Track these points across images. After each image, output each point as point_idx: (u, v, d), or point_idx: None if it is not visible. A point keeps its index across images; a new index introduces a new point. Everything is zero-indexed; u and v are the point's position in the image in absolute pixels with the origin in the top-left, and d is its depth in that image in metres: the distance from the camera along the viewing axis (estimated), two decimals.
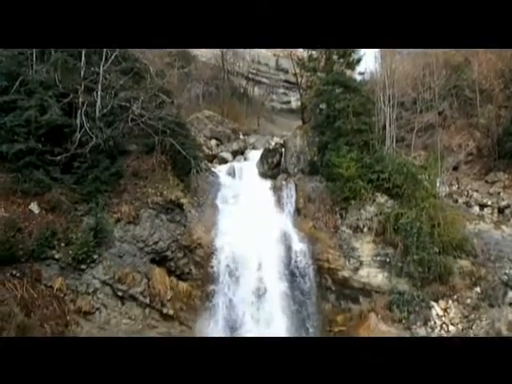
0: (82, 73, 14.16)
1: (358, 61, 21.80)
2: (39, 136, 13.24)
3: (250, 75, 32.52)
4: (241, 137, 24.17)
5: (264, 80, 33.66)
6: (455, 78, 20.97)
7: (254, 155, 19.34)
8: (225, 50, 29.59)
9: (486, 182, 18.50)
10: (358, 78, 20.98)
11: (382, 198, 15.59)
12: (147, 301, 12.78)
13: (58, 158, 13.41)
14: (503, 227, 16.20)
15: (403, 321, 13.31)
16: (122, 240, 13.33)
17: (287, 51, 30.00)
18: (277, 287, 13.51)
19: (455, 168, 19.08)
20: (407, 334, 12.73)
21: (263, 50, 33.14)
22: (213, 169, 17.62)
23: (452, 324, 13.12)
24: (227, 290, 13.30)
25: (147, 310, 12.78)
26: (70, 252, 12.39)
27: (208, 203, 15.14)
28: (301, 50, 25.05)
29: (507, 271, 13.87)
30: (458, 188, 18.51)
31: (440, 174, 17.33)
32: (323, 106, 17.54)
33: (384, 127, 18.11)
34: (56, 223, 12.66)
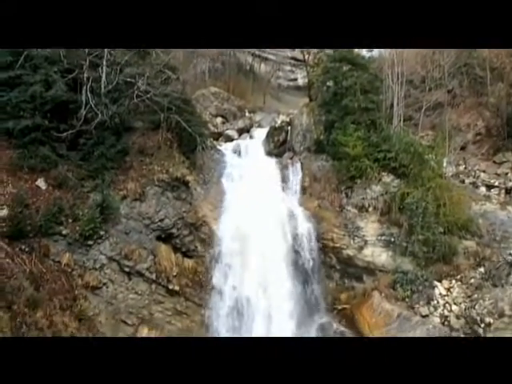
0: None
1: None
2: (45, 112, 13.19)
3: (257, 52, 32.00)
4: (247, 114, 23.98)
5: (270, 57, 33.12)
6: (466, 56, 20.57)
7: (260, 133, 19.22)
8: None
9: (494, 162, 18.36)
10: (366, 55, 20.59)
11: (388, 178, 15.52)
12: (153, 277, 12.95)
13: (64, 134, 13.38)
14: (509, 208, 16.15)
15: (406, 299, 13.43)
16: (128, 217, 13.42)
17: None
18: (281, 266, 13.62)
19: (463, 148, 18.92)
20: (410, 313, 12.87)
21: None
22: (218, 147, 17.56)
23: (455, 303, 13.23)
24: (232, 267, 13.42)
25: (153, 286, 12.96)
26: (77, 228, 12.49)
27: (213, 181, 15.15)
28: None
29: None
30: (465, 168, 18.38)
31: (447, 154, 17.20)
32: (330, 83, 17.30)
33: (392, 106, 17.89)
34: (63, 199, 12.73)
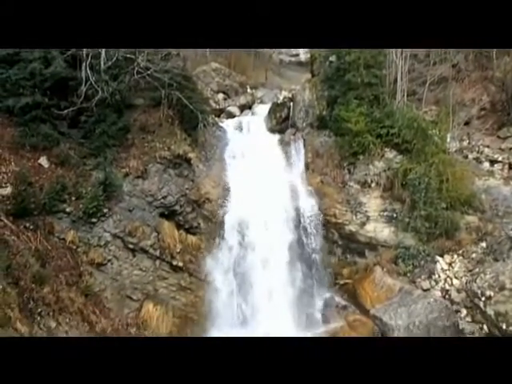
0: None
1: None
2: (45, 89, 13.10)
3: None
4: (248, 90, 23.70)
5: None
6: None
7: (262, 109, 19.02)
8: None
9: (498, 137, 18.20)
10: None
11: (390, 154, 15.45)
12: (157, 253, 13.08)
13: (65, 112, 13.32)
14: None
15: (408, 274, 13.58)
16: (131, 194, 13.48)
17: None
18: (284, 241, 13.72)
19: (467, 123, 18.73)
20: (411, 287, 13.02)
21: None
22: (220, 123, 17.43)
23: (456, 277, 13.37)
24: (236, 243, 13.54)
25: (157, 262, 13.11)
26: (81, 206, 12.58)
27: (216, 158, 15.11)
28: None
29: None
30: (469, 143, 18.25)
31: (451, 129, 17.06)
32: (333, 58, 17.00)
33: (395, 80, 17.63)
34: (66, 177, 12.78)
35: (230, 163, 15.03)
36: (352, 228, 14.73)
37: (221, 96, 22.78)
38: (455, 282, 13.21)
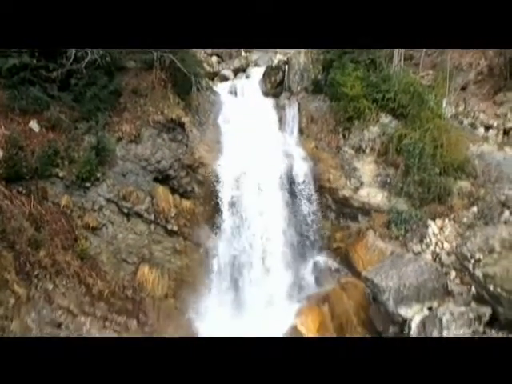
0: None
1: None
2: (32, 50, 12.73)
3: None
4: (243, 53, 23.15)
5: None
6: None
7: (257, 73, 18.66)
8: None
9: (494, 102, 18.06)
10: None
11: (386, 119, 15.35)
12: (152, 217, 13.15)
13: (54, 74, 13.00)
14: (506, 149, 16.14)
15: (400, 238, 13.79)
16: (125, 159, 13.39)
17: None
18: (278, 206, 13.80)
19: (463, 88, 18.52)
20: (403, 251, 13.26)
21: None
22: (214, 87, 17.13)
23: (446, 241, 13.60)
24: (230, 208, 13.60)
25: (152, 226, 13.19)
26: (74, 170, 12.52)
27: (210, 122, 14.94)
28: None
29: (505, 191, 14.06)
30: (465, 109, 18.12)
31: (447, 94, 16.89)
32: None
33: None
34: (57, 141, 12.62)
35: (224, 127, 14.87)
36: (346, 193, 14.80)
37: (214, 59, 22.26)
38: (446, 245, 13.45)
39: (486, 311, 10.36)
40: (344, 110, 15.23)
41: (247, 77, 19.41)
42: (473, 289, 11.24)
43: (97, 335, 10.41)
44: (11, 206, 11.26)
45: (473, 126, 17.59)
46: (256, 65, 21.02)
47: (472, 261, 10.87)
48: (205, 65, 20.10)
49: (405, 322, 11.07)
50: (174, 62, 14.08)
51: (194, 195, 13.99)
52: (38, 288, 10.25)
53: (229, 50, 23.19)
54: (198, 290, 13.14)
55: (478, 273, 10.48)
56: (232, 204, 13.57)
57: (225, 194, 13.61)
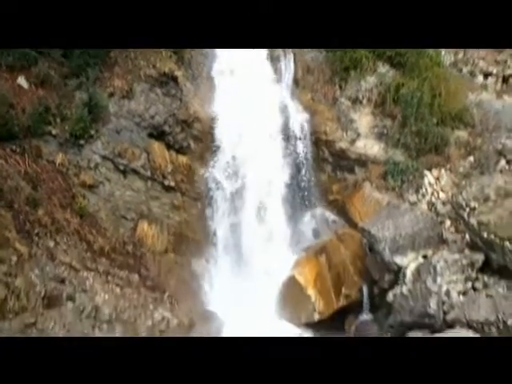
0: None
1: None
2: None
3: None
4: None
5: None
6: None
7: None
8: None
9: None
10: None
11: (383, 68, 15.02)
12: (148, 174, 13.12)
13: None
14: (505, 97, 15.97)
15: (396, 189, 13.88)
16: (118, 115, 13.17)
17: None
18: (274, 159, 13.76)
19: None
20: (399, 201, 13.40)
21: None
22: None
23: (442, 191, 13.72)
24: (226, 162, 13.56)
25: (149, 183, 13.20)
26: (67, 128, 12.34)
27: (203, 76, 14.56)
28: None
29: (503, 140, 14.04)
30: (464, 56, 17.73)
31: None
32: None
33: None
34: (48, 99, 12.36)
35: (218, 81, 14.53)
36: (342, 145, 14.73)
37: None
38: (441, 195, 13.58)
39: (479, 258, 10.64)
40: (340, 60, 14.86)
41: None
42: (467, 237, 11.47)
43: (100, 291, 10.65)
44: (6, 166, 11.19)
45: (472, 73, 17.29)
46: None
47: (467, 209, 11.03)
48: None
49: (400, 270, 11.38)
50: None
51: (190, 151, 13.89)
52: (40, 245, 10.38)
53: None
54: (198, 243, 13.36)
55: (473, 221, 10.67)
56: (228, 158, 13.50)
57: (220, 149, 13.51)
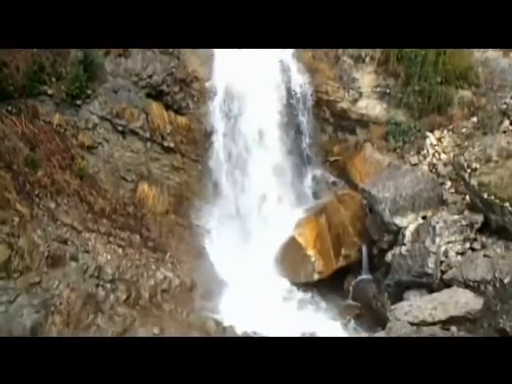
0: None
1: None
2: None
3: None
4: None
5: None
6: None
7: None
8: None
9: None
10: None
11: None
12: (147, 135, 12.96)
13: None
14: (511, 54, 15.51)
15: (397, 150, 13.78)
16: (115, 74, 12.87)
17: None
18: (275, 119, 13.55)
19: None
20: (400, 162, 13.33)
21: None
22: None
23: (444, 152, 13.62)
24: (226, 121, 13.36)
25: (148, 144, 13.06)
26: (63, 87, 12.09)
27: None
28: None
29: (507, 100, 13.77)
30: None
31: None
32: None
33: None
34: (42, 56, 12.02)
35: None
36: (344, 105, 14.49)
37: None
38: (443, 156, 13.49)
39: (479, 218, 10.72)
40: None
41: None
42: (467, 198, 11.49)
43: (102, 251, 10.75)
44: (3, 126, 11.03)
45: None
46: None
47: (468, 170, 10.98)
48: None
49: (399, 231, 11.47)
50: None
51: (189, 111, 13.64)
52: (41, 207, 10.38)
53: None
54: (199, 205, 13.40)
55: (474, 182, 10.66)
56: (228, 118, 13.30)
57: (220, 106, 13.27)
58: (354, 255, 12.84)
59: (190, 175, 13.59)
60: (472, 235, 10.67)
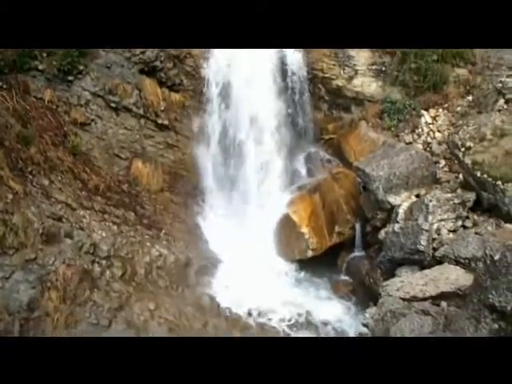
0: None
1: None
2: None
3: None
4: None
5: None
6: None
7: None
8: None
9: None
10: None
11: None
12: (141, 112, 12.83)
13: None
14: None
15: (392, 128, 13.76)
16: (107, 49, 12.62)
17: None
18: (270, 98, 13.44)
19: None
20: (395, 141, 13.33)
21: None
22: None
23: (439, 131, 13.63)
24: (220, 101, 13.24)
25: (142, 121, 12.95)
26: (54, 63, 11.91)
27: None
28: None
29: (503, 79, 13.72)
30: None
31: None
32: None
33: None
34: None
35: None
36: (339, 83, 14.38)
37: None
38: (437, 135, 13.51)
39: (471, 197, 10.82)
40: None
41: None
42: (460, 176, 11.57)
43: (97, 229, 10.77)
44: None
45: None
46: None
47: (462, 149, 11.03)
48: None
49: (393, 209, 11.57)
50: None
51: (183, 88, 13.49)
52: (34, 184, 10.35)
53: None
54: (193, 182, 13.39)
55: (467, 160, 10.71)
56: (222, 97, 13.17)
57: (214, 84, 13.12)
58: (347, 232, 12.98)
59: (184, 153, 13.54)
60: (464, 213, 10.79)
